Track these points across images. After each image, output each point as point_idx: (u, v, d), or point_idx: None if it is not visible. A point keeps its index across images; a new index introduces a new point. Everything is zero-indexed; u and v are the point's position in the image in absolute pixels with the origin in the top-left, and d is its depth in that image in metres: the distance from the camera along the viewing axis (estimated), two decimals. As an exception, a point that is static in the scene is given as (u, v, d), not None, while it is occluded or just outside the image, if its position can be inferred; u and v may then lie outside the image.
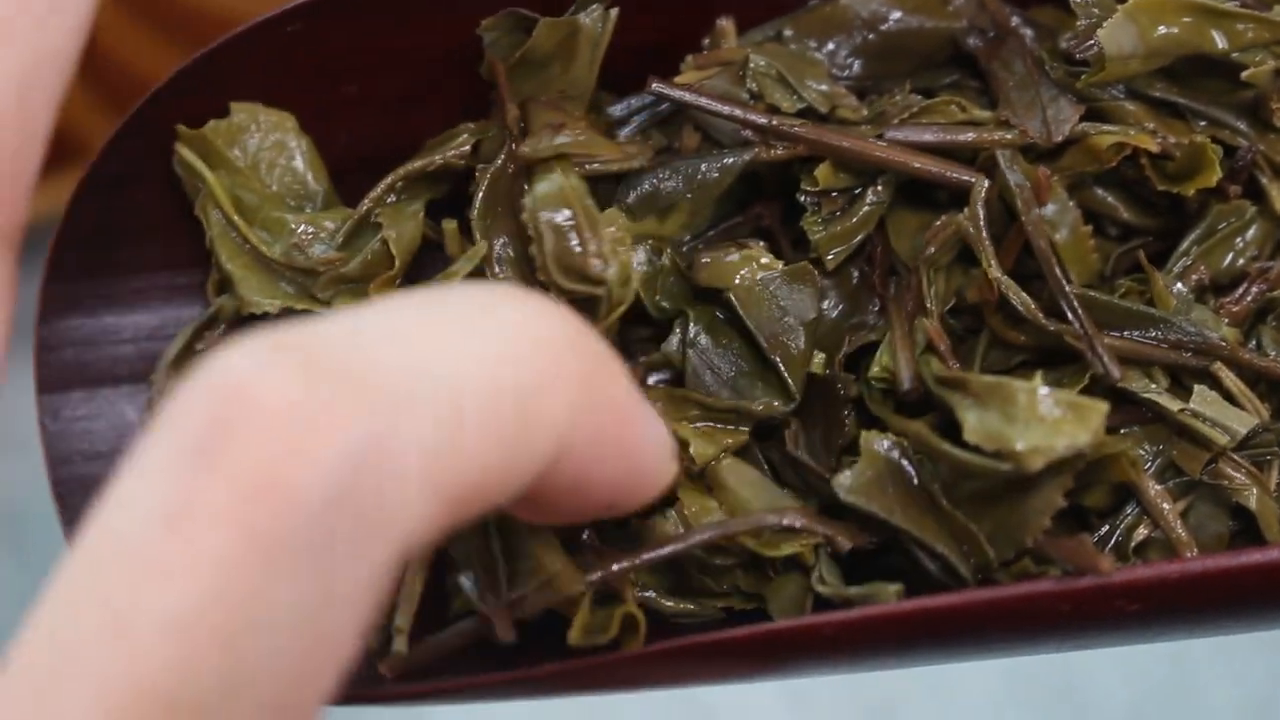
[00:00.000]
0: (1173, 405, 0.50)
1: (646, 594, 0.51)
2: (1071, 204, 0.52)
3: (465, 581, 0.49)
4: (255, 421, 0.33)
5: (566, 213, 0.51)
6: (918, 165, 0.51)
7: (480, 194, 0.52)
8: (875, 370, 0.51)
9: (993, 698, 0.71)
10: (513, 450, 0.36)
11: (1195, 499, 0.50)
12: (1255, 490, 0.50)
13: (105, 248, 0.54)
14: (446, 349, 0.36)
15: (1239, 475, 0.50)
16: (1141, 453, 0.50)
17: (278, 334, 0.35)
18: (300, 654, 0.33)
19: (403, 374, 0.35)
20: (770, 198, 0.54)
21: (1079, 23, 0.51)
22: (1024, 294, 0.50)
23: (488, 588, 0.49)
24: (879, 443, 0.49)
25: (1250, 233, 0.52)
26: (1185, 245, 0.52)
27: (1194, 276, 0.52)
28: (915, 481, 0.48)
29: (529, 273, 0.52)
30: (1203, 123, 0.52)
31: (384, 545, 0.34)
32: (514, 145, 0.52)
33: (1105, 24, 0.50)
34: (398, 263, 0.51)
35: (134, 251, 0.54)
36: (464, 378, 0.35)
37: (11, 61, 0.42)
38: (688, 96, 0.52)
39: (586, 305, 0.51)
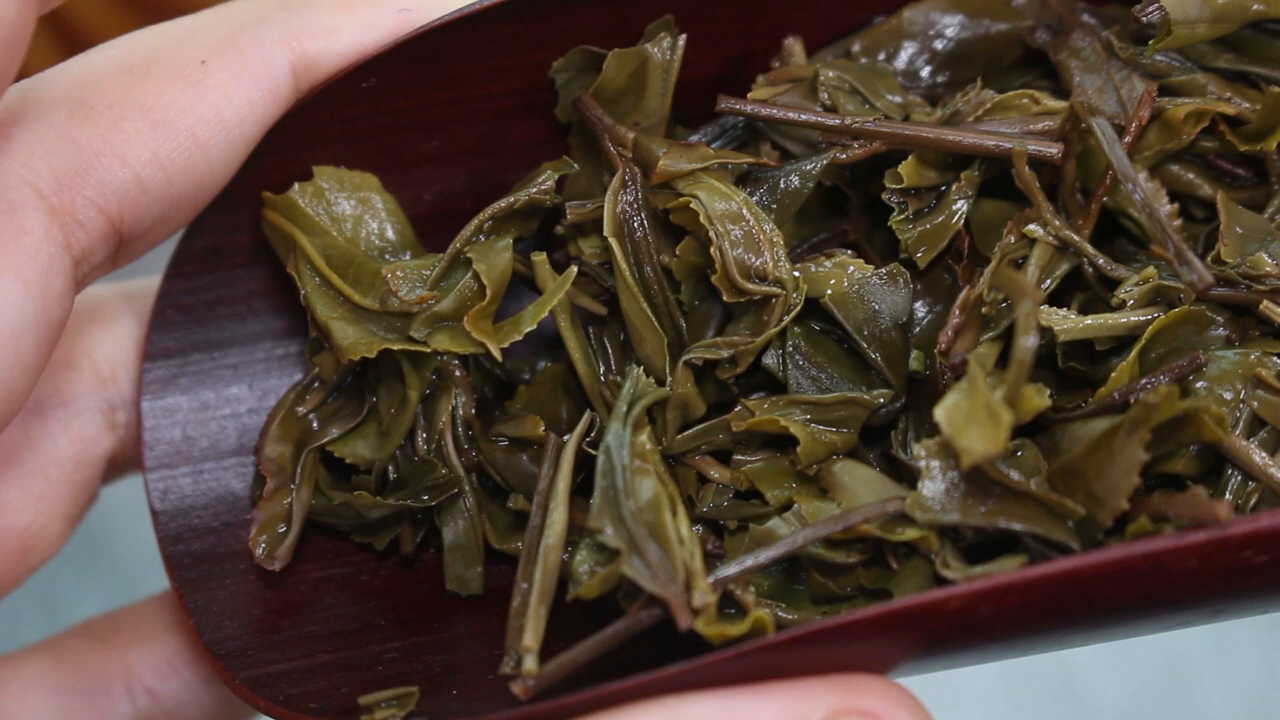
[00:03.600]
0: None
1: (771, 605, 0.50)
2: (1155, 183, 0.52)
3: (636, 568, 0.48)
4: None
5: (741, 218, 0.51)
6: (992, 145, 0.51)
7: (608, 215, 0.52)
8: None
9: (992, 698, 0.70)
10: None
11: None
12: None
13: (200, 325, 0.55)
14: None
15: None
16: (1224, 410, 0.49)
17: None
18: None
19: None
20: (854, 213, 0.54)
21: None
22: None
23: (665, 574, 0.48)
24: (929, 459, 0.48)
25: None
26: (1271, 210, 0.52)
27: None
28: (990, 478, 0.48)
29: (645, 280, 0.52)
30: (1275, 88, 0.52)
31: None
32: (635, 170, 0.52)
33: None
34: (489, 293, 0.52)
35: (229, 327, 0.55)
36: None
37: None
38: (759, 109, 0.53)
39: (761, 306, 0.51)
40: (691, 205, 0.51)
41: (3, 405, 0.48)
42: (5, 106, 0.50)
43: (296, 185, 0.54)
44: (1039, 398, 0.47)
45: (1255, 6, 0.51)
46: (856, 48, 0.55)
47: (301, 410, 0.54)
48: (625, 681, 0.46)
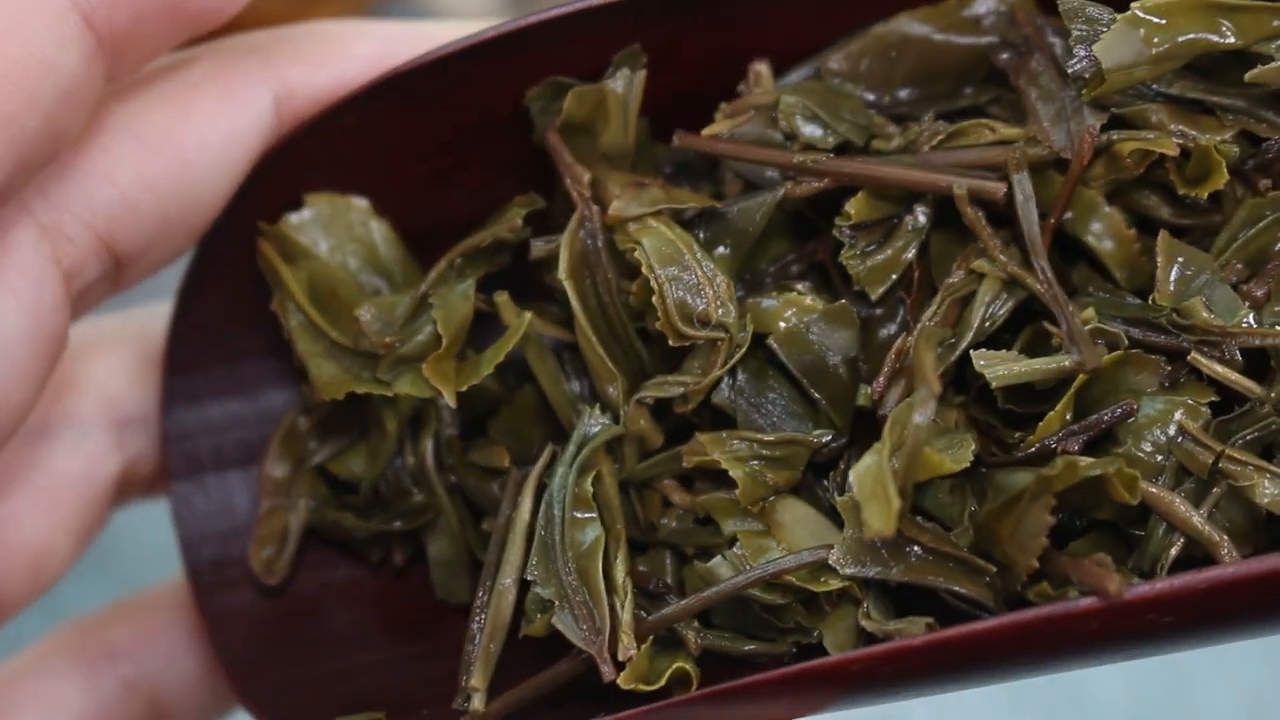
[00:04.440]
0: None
1: (717, 637, 0.52)
2: (1110, 209, 0.52)
3: (565, 621, 0.51)
4: None
5: (683, 264, 0.53)
6: (937, 181, 0.52)
7: (564, 255, 0.54)
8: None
9: (993, 697, 0.71)
10: None
11: (1220, 497, 0.49)
12: (1264, 481, 0.49)
13: (215, 340, 0.58)
14: None
15: (1244, 468, 0.49)
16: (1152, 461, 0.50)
17: None
18: None
19: None
20: (823, 234, 0.55)
21: (1073, 33, 0.51)
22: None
23: (590, 628, 0.51)
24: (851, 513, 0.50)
25: None
26: (1221, 242, 0.51)
27: (1236, 267, 0.51)
28: (910, 540, 0.49)
29: (606, 315, 0.54)
30: (1231, 116, 0.52)
31: None
32: (594, 208, 0.54)
33: (1103, 37, 0.50)
34: (445, 341, 0.54)
35: (243, 341, 0.58)
36: None
37: None
38: (710, 145, 0.54)
39: (707, 351, 0.53)
40: (635, 251, 0.53)
41: (1, 415, 0.52)
42: None
43: (290, 214, 0.56)
44: (948, 463, 0.49)
45: (1200, 40, 0.51)
46: (833, 65, 0.55)
47: (301, 428, 0.57)
48: None
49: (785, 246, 0.55)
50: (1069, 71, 0.51)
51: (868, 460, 0.48)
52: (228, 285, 0.57)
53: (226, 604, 0.57)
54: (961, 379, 0.53)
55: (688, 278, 0.53)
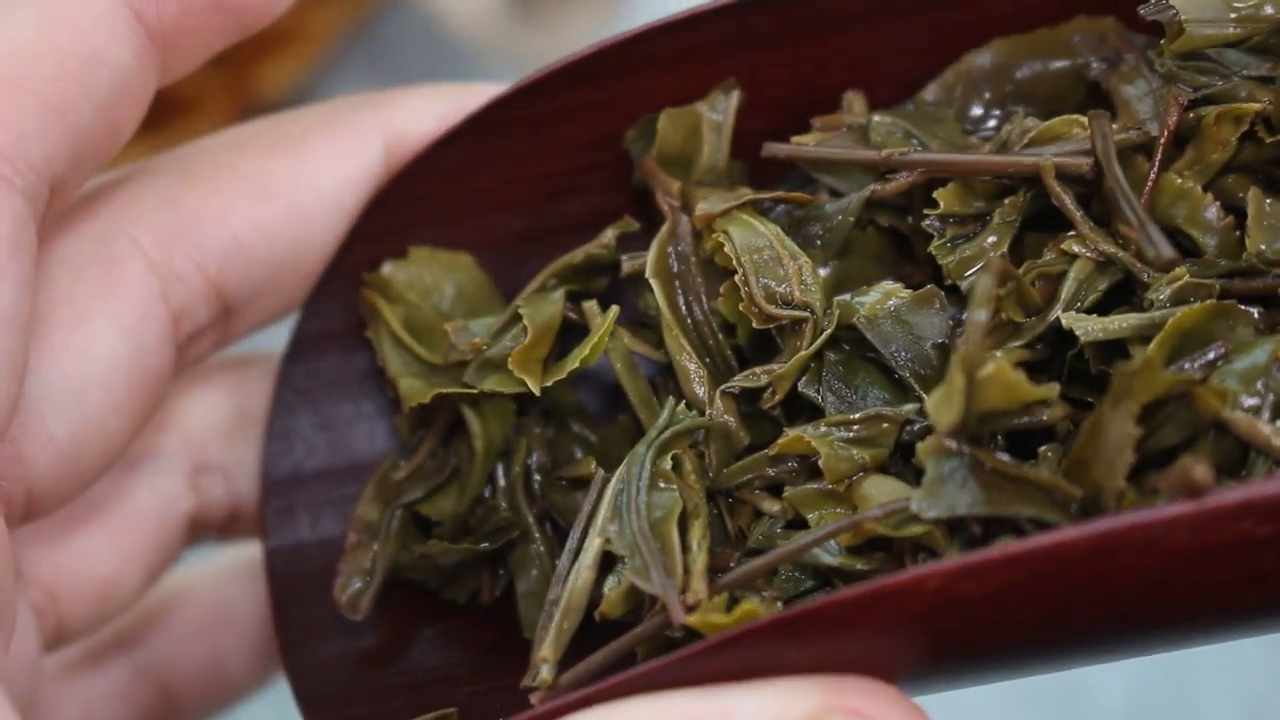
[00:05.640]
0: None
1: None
2: (1199, 190, 0.51)
3: (636, 567, 0.49)
4: None
5: (769, 248, 0.52)
6: (1024, 162, 0.51)
7: (652, 256, 0.54)
8: None
9: (993, 696, 0.66)
10: None
11: None
12: None
13: (314, 405, 0.58)
14: None
15: None
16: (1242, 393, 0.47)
17: None
18: None
19: None
20: (918, 256, 0.55)
21: None
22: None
23: (660, 575, 0.49)
24: (935, 459, 0.48)
25: None
26: None
27: None
28: (989, 467, 0.47)
29: (696, 324, 0.53)
30: None
31: None
32: (683, 217, 0.54)
33: None
34: (531, 335, 0.53)
35: (341, 406, 0.58)
36: None
37: None
38: (798, 152, 0.54)
39: (797, 334, 0.52)
40: (721, 240, 0.53)
41: (93, 447, 0.52)
42: (119, 173, 0.55)
43: (389, 263, 0.57)
44: (1025, 383, 0.47)
45: (1278, 13, 0.51)
46: (929, 96, 0.56)
47: (396, 477, 0.56)
48: (611, 679, 0.46)
49: (879, 270, 0.55)
50: (1146, 17, 0.51)
51: (943, 386, 0.46)
52: (333, 346, 0.58)
53: (311, 654, 0.55)
54: (1056, 365, 0.51)
55: (773, 262, 0.52)
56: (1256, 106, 0.50)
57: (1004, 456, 0.47)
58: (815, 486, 0.51)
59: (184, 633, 0.60)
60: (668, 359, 0.54)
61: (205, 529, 0.59)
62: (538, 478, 0.55)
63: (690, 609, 0.48)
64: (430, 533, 0.56)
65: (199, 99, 0.58)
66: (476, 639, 0.55)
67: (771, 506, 0.52)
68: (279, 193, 0.55)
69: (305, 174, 0.55)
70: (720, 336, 0.53)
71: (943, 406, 0.45)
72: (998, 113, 0.55)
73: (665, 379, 0.55)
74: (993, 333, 0.50)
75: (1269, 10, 0.51)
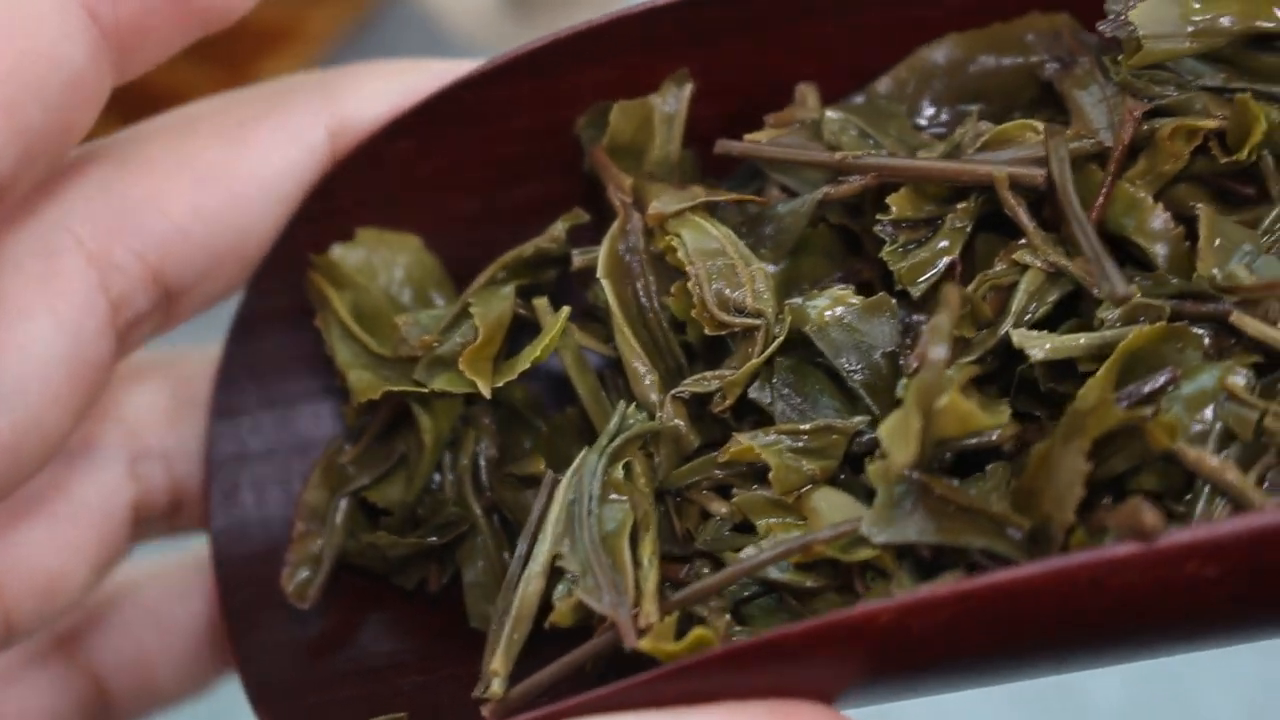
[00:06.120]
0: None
1: (745, 625, 0.50)
2: (1152, 201, 0.51)
3: (588, 587, 0.49)
4: None
5: (722, 254, 0.52)
6: (978, 170, 0.51)
7: (603, 255, 0.53)
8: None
9: (993, 696, 0.68)
10: None
11: (1269, 467, 0.47)
12: None
13: (262, 383, 0.58)
14: None
15: None
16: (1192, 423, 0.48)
17: None
18: None
19: None
20: (868, 252, 0.54)
21: (1111, 2, 0.51)
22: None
23: (613, 596, 0.49)
24: (885, 485, 0.48)
25: None
26: (1267, 223, 0.50)
27: None
28: (938, 493, 0.47)
29: (646, 322, 0.53)
30: (1278, 108, 0.51)
31: None
32: (635, 214, 0.53)
33: (1140, 4, 0.50)
34: (482, 334, 0.53)
35: (291, 385, 0.58)
36: None
37: None
38: (751, 149, 0.54)
39: (748, 340, 0.52)
40: (674, 244, 0.52)
41: (33, 439, 0.51)
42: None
43: (337, 246, 0.56)
44: (979, 414, 0.47)
45: (1245, 19, 0.50)
46: (881, 89, 0.55)
47: (341, 460, 0.56)
48: (567, 701, 0.47)
49: (829, 267, 0.55)
50: (1103, 33, 0.51)
51: (897, 413, 0.46)
52: (278, 325, 0.57)
53: (259, 639, 0.55)
54: (1004, 377, 0.51)
55: (726, 269, 0.52)
56: (1211, 124, 0.50)
57: (953, 482, 0.48)
58: (764, 495, 0.51)
59: (123, 631, 0.60)
60: (617, 355, 0.54)
61: (150, 519, 0.58)
62: (485, 469, 0.55)
63: (642, 632, 0.48)
64: (378, 520, 0.56)
65: (196, 98, 0.57)
66: (424, 625, 0.56)
67: (720, 508, 0.52)
68: (219, 179, 0.54)
69: (246, 161, 0.55)
70: (671, 335, 0.53)
71: (898, 443, 0.45)
72: (950, 109, 0.55)
73: (614, 374, 0.55)
74: None
75: (1225, 22, 0.51)
